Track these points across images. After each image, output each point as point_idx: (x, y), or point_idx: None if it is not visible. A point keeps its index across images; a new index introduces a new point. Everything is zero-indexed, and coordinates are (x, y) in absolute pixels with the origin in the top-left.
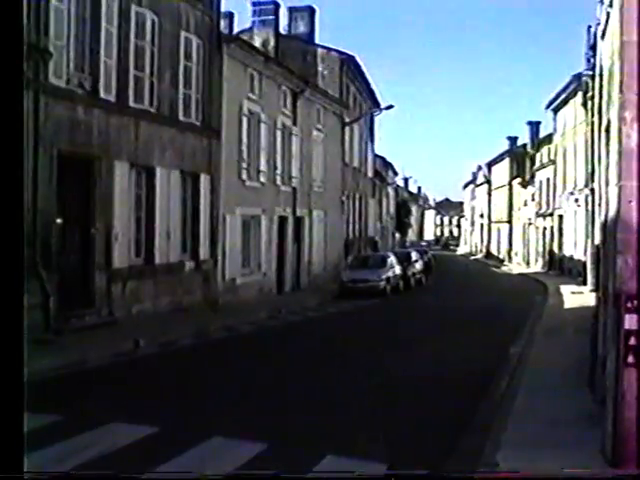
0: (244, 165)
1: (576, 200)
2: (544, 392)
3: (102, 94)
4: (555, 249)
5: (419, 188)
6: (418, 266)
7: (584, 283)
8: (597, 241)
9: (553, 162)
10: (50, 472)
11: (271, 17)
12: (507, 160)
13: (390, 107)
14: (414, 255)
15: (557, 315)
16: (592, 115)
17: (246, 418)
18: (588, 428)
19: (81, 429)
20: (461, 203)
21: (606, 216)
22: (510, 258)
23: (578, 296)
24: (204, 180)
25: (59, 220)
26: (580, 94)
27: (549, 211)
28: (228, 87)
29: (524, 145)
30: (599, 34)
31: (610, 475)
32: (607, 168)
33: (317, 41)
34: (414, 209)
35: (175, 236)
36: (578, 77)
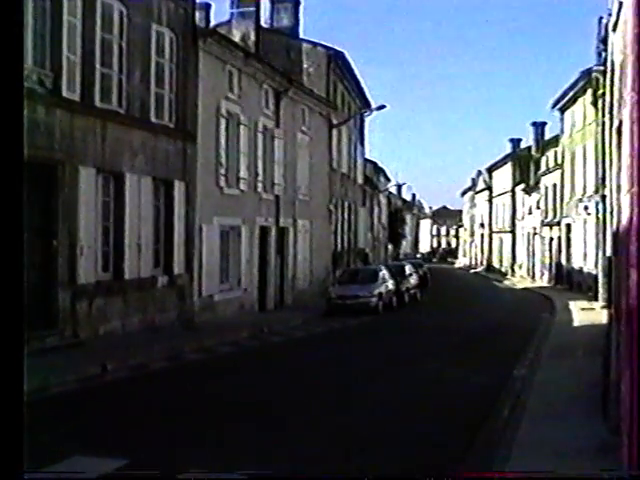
0: (222, 171)
1: (585, 208)
2: (551, 420)
3: (65, 93)
4: (563, 261)
5: (414, 195)
6: (413, 280)
7: (595, 298)
8: (609, 252)
9: (560, 166)
10: (50, 472)
11: (252, 9)
12: (510, 164)
13: (382, 107)
14: (408, 268)
15: (565, 334)
16: (603, 115)
17: (225, 449)
18: (601, 460)
19: (43, 463)
20: (459, 212)
21: (618, 225)
22: (513, 271)
23: (588, 313)
24: (178, 187)
25: None
26: (590, 92)
27: (556, 220)
28: (204, 86)
29: (528, 148)
30: (610, 26)
31: (610, 475)
32: (619, 173)
33: (302, 35)
34: (408, 218)
35: (147, 249)
36: (588, 73)
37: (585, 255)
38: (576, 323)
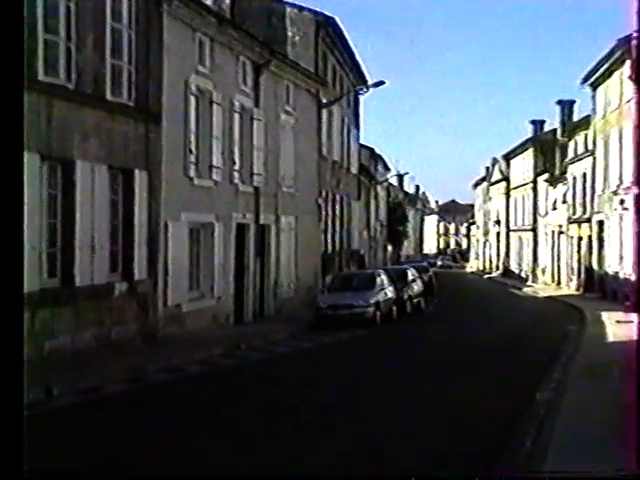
0: (192, 158)
1: (622, 202)
2: (581, 453)
3: None
4: (594, 265)
5: (417, 187)
6: (416, 287)
7: (635, 309)
8: None
9: (591, 153)
10: (50, 472)
11: None
12: (531, 151)
13: (380, 84)
14: (411, 273)
15: (598, 351)
16: None
17: None
18: None
19: None
20: (471, 206)
21: None
22: (535, 277)
23: (625, 326)
24: (139, 177)
25: None
26: (628, 64)
27: (586, 216)
28: (170, 57)
29: (553, 131)
30: None
31: (610, 475)
32: None
33: None
34: (411, 214)
35: (102, 250)
36: (626, 41)
37: (621, 258)
38: (610, 338)
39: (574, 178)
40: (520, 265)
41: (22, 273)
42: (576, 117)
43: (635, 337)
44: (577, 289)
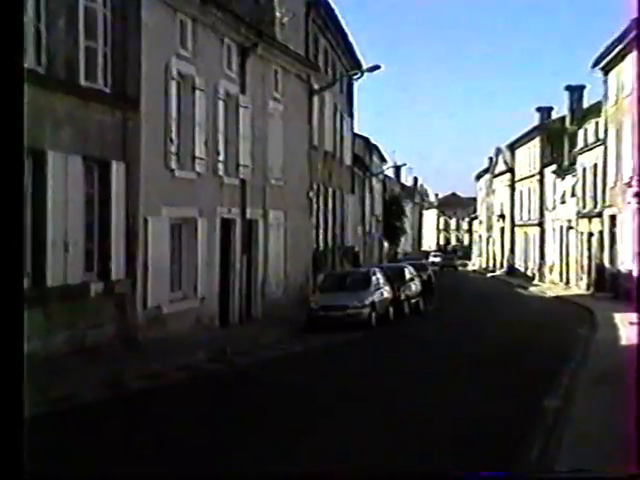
0: (173, 149)
1: (636, 195)
2: (593, 464)
3: None
4: (606, 263)
5: (416, 180)
6: (414, 287)
7: None
8: None
9: (602, 142)
10: (50, 473)
11: None
12: (537, 140)
13: (375, 68)
14: (409, 272)
15: (610, 355)
16: None
17: None
18: None
19: None
20: (473, 200)
21: None
22: (542, 275)
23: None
24: (117, 170)
25: None
26: None
27: (597, 210)
28: (149, 39)
29: (561, 119)
30: None
31: (609, 475)
32: None
33: None
34: (409, 209)
35: (76, 248)
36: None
37: (635, 255)
38: (624, 341)
39: (584, 169)
40: (526, 263)
41: (22, 273)
42: (586, 103)
43: None
44: (587, 288)
